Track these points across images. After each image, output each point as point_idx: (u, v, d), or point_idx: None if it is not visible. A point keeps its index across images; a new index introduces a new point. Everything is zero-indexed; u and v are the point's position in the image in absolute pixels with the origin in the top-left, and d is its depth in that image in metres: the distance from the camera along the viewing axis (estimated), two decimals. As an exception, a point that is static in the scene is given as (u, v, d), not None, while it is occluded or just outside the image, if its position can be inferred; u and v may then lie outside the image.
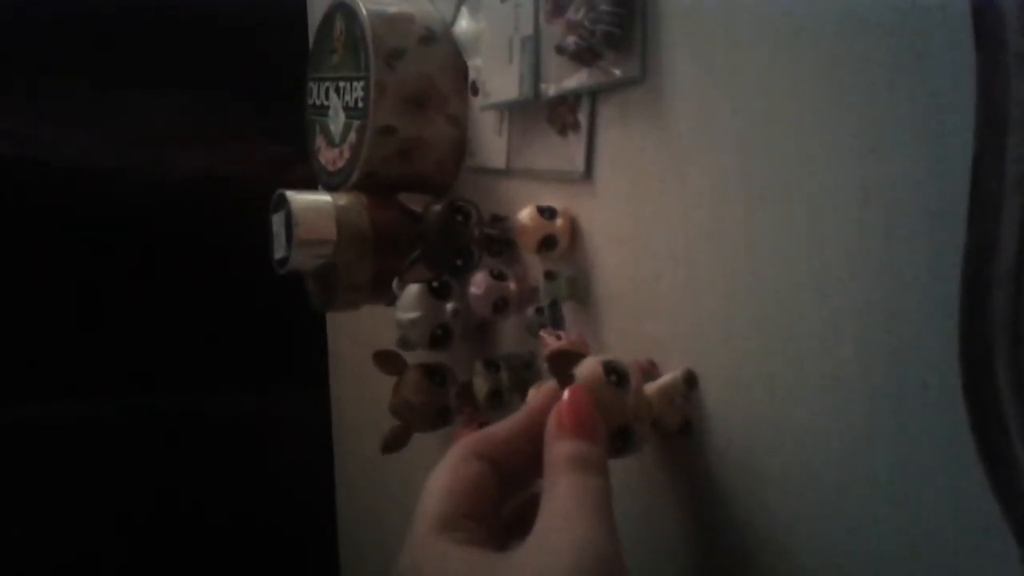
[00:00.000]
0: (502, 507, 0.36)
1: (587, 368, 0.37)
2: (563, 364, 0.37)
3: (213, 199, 0.97)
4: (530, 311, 0.52)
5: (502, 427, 0.37)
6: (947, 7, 0.29)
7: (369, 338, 0.75)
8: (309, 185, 0.66)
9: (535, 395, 0.41)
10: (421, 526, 0.33)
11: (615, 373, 0.37)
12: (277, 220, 0.58)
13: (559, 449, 0.33)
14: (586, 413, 0.35)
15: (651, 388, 0.41)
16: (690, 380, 0.42)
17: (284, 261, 0.57)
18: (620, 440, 0.37)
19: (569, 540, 0.30)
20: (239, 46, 0.98)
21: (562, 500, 0.31)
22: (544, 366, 0.49)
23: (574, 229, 0.50)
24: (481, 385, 0.53)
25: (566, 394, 0.35)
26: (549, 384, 0.38)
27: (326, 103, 0.65)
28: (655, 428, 0.41)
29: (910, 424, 0.32)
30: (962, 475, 0.30)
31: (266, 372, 1.00)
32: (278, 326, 0.95)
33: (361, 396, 0.87)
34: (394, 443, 0.57)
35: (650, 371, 0.44)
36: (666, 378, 0.42)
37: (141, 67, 0.95)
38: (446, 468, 0.35)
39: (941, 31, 0.30)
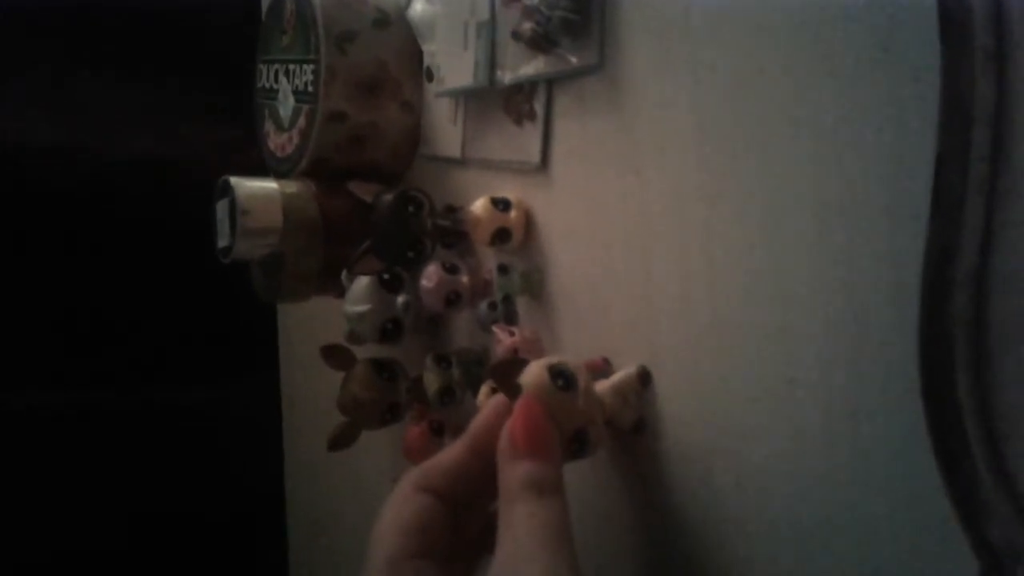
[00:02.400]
0: (460, 534, 0.35)
1: (532, 375, 0.36)
2: (507, 375, 0.36)
3: (161, 183, 0.94)
4: (483, 305, 0.51)
5: (446, 455, 0.36)
6: (913, -2, 0.28)
7: (322, 330, 0.74)
8: (261, 170, 0.64)
9: (485, 395, 0.39)
10: (368, 568, 0.32)
11: (562, 377, 0.36)
12: (221, 207, 0.56)
13: (513, 473, 0.32)
14: (539, 429, 0.33)
15: (604, 386, 0.40)
16: (644, 377, 0.41)
17: (228, 250, 0.55)
18: (576, 444, 0.36)
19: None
20: (190, 26, 0.95)
21: (519, 530, 0.30)
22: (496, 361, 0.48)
23: (529, 222, 0.48)
24: (432, 381, 0.51)
25: (516, 410, 0.34)
26: (495, 399, 0.37)
27: (275, 86, 0.63)
28: (609, 427, 0.40)
29: (869, 429, 0.31)
30: (921, 483, 0.29)
31: (215, 363, 0.98)
32: (228, 316, 0.93)
33: (313, 389, 0.85)
34: (341, 440, 0.55)
35: (603, 368, 0.43)
36: (620, 375, 0.41)
37: (90, 48, 0.92)
38: (390, 508, 0.34)
39: (906, 24, 0.29)
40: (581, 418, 0.36)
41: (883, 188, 0.30)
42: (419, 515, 0.33)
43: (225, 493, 0.99)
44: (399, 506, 0.34)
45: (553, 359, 0.37)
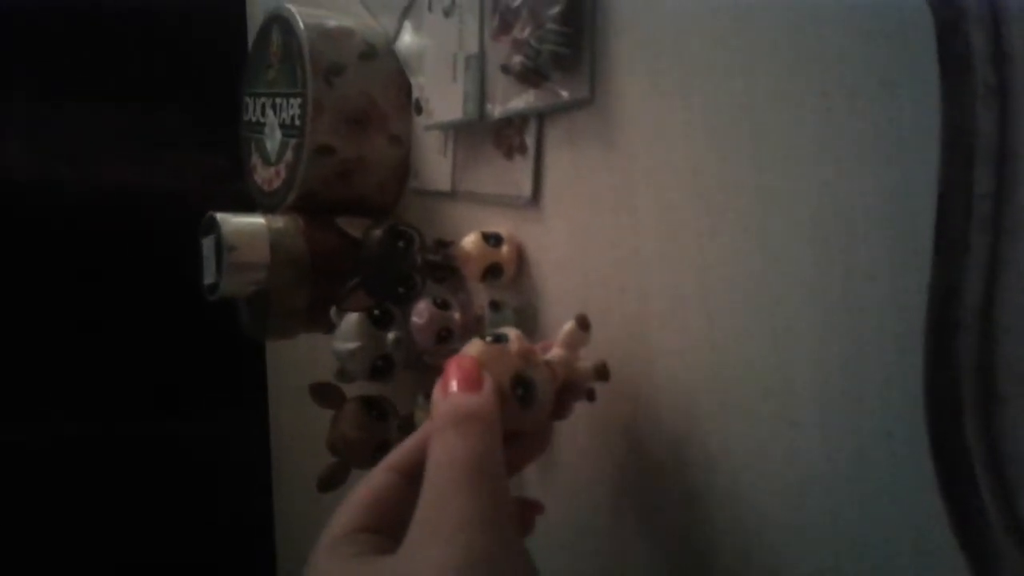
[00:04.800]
0: None
1: (467, 344, 0.36)
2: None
3: (146, 215, 0.93)
4: (475, 342, 0.50)
5: (410, 437, 0.35)
6: (912, 31, 0.28)
7: (311, 367, 0.72)
8: (248, 201, 0.63)
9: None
10: (316, 545, 0.32)
11: (492, 336, 0.36)
12: (207, 244, 0.55)
13: (439, 410, 0.32)
14: (466, 368, 0.33)
15: (555, 349, 0.39)
16: (583, 323, 0.39)
17: (214, 287, 0.54)
18: (521, 387, 0.35)
19: (441, 518, 0.28)
20: (176, 56, 0.95)
21: (439, 469, 0.30)
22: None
23: (520, 257, 0.48)
24: (423, 419, 0.50)
25: (448, 362, 0.34)
26: None
27: (262, 120, 0.62)
28: (572, 383, 0.38)
29: (872, 475, 0.30)
30: (929, 529, 0.28)
31: (202, 400, 0.96)
32: (216, 350, 0.91)
33: (302, 427, 0.83)
34: (331, 481, 0.54)
35: (545, 348, 0.41)
36: (562, 331, 0.39)
37: (74, 77, 0.92)
38: (355, 488, 0.33)
39: (905, 56, 0.28)
40: (517, 364, 0.35)
41: (884, 226, 0.29)
42: (376, 491, 0.33)
43: (214, 533, 0.97)
44: (363, 484, 0.33)
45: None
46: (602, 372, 0.39)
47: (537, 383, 0.36)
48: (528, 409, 0.35)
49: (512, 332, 0.36)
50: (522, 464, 0.38)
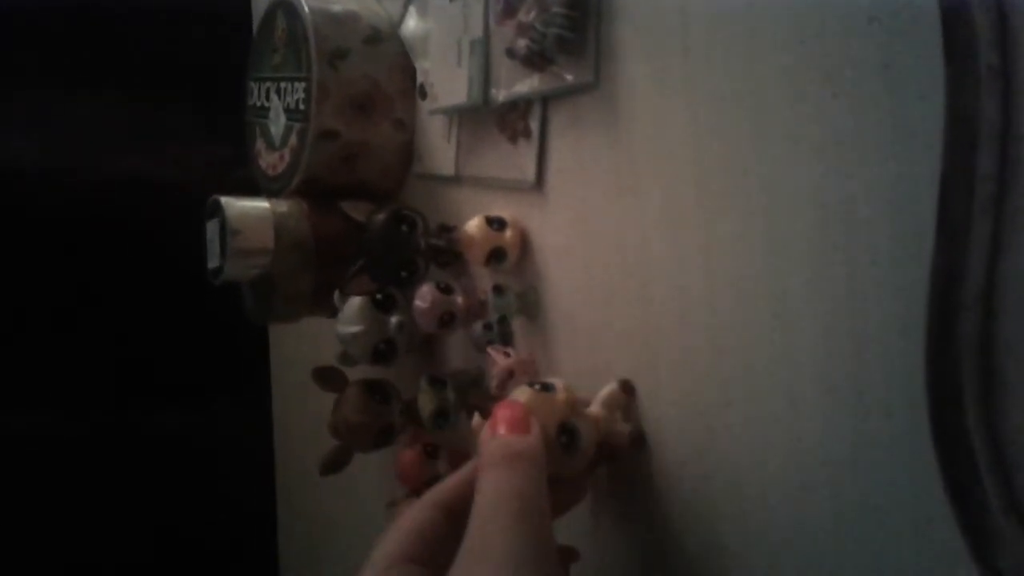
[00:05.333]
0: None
1: (516, 390, 0.37)
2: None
3: (152, 202, 0.93)
4: (478, 326, 0.50)
5: (453, 475, 0.37)
6: (916, 15, 0.28)
7: (314, 350, 0.72)
8: (253, 189, 0.63)
9: (479, 422, 0.39)
10: (362, 571, 0.32)
11: (539, 384, 0.37)
12: (211, 227, 0.55)
13: (487, 448, 0.33)
14: (516, 413, 0.34)
15: (593, 406, 0.40)
16: (627, 387, 0.41)
17: (218, 271, 0.54)
18: (565, 435, 0.36)
19: (487, 547, 0.29)
20: (180, 43, 0.95)
21: (486, 501, 0.30)
22: (491, 383, 0.47)
23: (524, 241, 0.48)
24: (426, 403, 0.50)
25: (497, 405, 0.35)
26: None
27: (267, 104, 0.62)
28: (608, 443, 0.39)
29: (873, 455, 0.30)
30: (928, 512, 0.28)
31: (206, 384, 0.96)
32: (219, 337, 0.92)
33: (305, 410, 0.84)
34: (333, 464, 0.54)
35: (585, 403, 0.42)
36: (603, 391, 0.41)
37: (78, 66, 0.92)
38: (399, 518, 0.35)
39: (909, 41, 0.28)
40: (563, 412, 0.36)
41: (887, 209, 0.29)
42: (421, 525, 0.34)
43: (216, 515, 0.97)
44: (404, 517, 0.34)
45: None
46: (638, 441, 0.41)
47: (581, 432, 0.37)
48: (571, 456, 0.36)
49: (559, 382, 0.38)
50: (559, 512, 0.39)
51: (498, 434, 0.33)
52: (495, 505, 0.30)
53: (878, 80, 0.29)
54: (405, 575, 0.32)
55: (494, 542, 0.29)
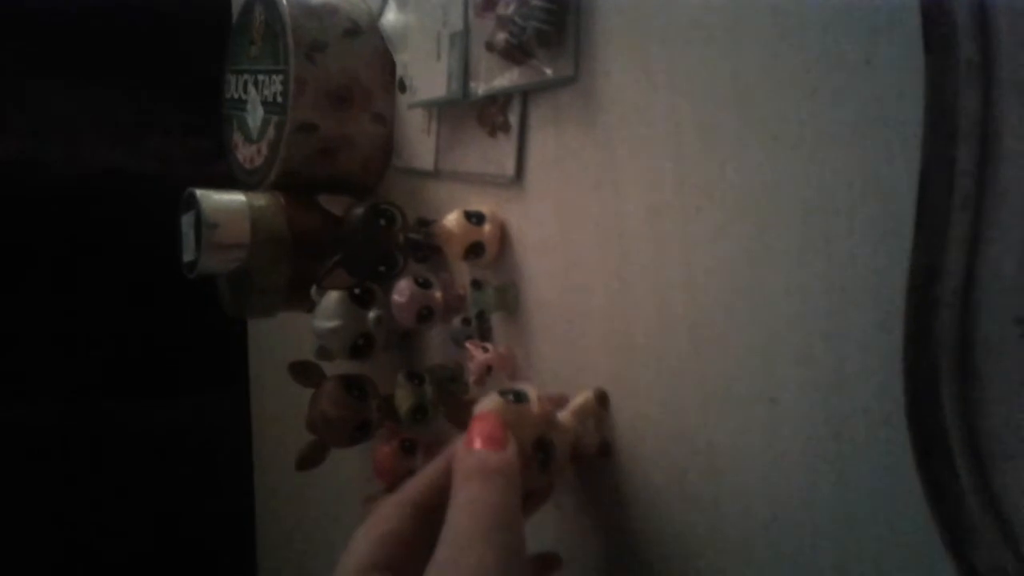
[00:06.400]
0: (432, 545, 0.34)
1: (484, 400, 0.36)
2: (463, 413, 0.38)
3: (128, 195, 0.92)
4: (456, 321, 0.50)
5: (424, 471, 0.36)
6: (896, 8, 0.27)
7: (292, 345, 0.72)
8: (230, 183, 0.63)
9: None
10: None
11: (512, 393, 0.36)
12: (187, 221, 0.54)
13: (462, 463, 0.33)
14: (492, 426, 0.34)
15: (564, 414, 0.40)
16: (602, 399, 0.41)
17: (193, 265, 0.53)
18: (541, 452, 0.36)
19: (460, 561, 0.29)
20: (160, 36, 0.93)
21: (460, 516, 0.31)
22: (469, 378, 0.46)
23: (503, 236, 0.47)
24: (404, 399, 0.50)
25: (472, 418, 0.35)
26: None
27: (244, 97, 0.62)
28: (575, 451, 0.39)
29: (852, 451, 0.30)
30: (906, 508, 0.28)
31: (183, 379, 0.96)
32: (198, 330, 0.91)
33: (283, 405, 0.83)
34: (309, 459, 0.53)
35: (559, 402, 0.42)
36: (577, 400, 0.41)
37: (54, 57, 0.90)
38: (371, 519, 0.34)
39: (889, 33, 0.28)
40: (538, 426, 0.36)
41: (868, 203, 0.29)
42: (391, 526, 0.34)
43: (194, 510, 0.97)
44: (373, 521, 0.34)
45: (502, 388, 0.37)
46: (605, 450, 0.41)
47: (556, 449, 0.37)
48: (545, 472, 0.36)
49: (532, 391, 0.37)
50: (526, 516, 0.39)
51: (474, 448, 0.33)
52: (469, 519, 0.31)
53: (859, 75, 0.29)
54: None
55: (467, 555, 0.29)
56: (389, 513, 0.34)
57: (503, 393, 0.36)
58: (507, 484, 0.32)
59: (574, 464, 0.41)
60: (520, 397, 0.36)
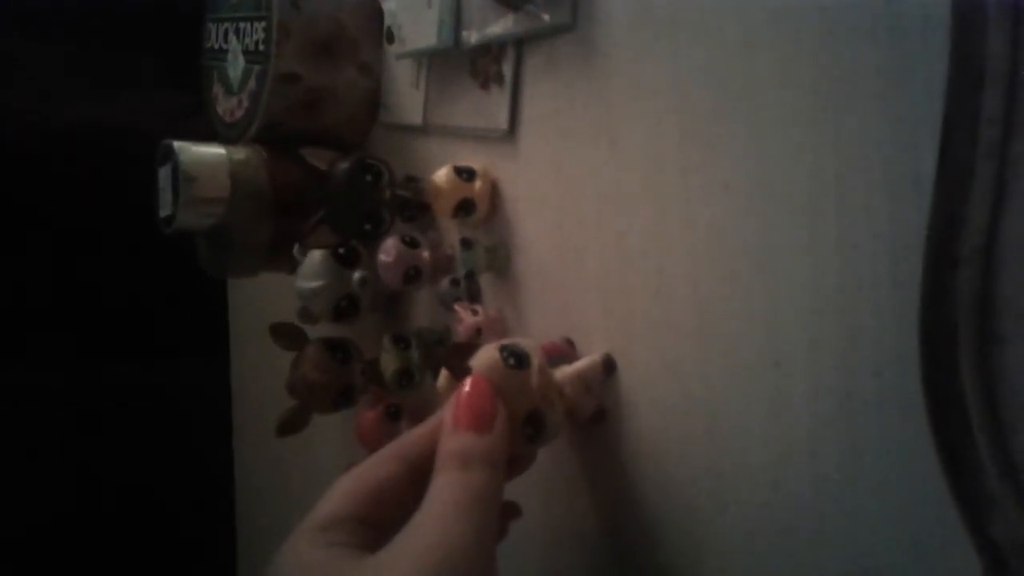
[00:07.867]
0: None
1: (483, 355, 0.34)
2: (458, 359, 0.36)
3: (105, 150, 0.89)
4: (445, 282, 0.48)
5: (419, 428, 0.35)
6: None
7: (274, 307, 0.70)
8: (211, 138, 0.60)
9: (445, 380, 0.37)
10: (299, 525, 0.32)
11: (513, 356, 0.34)
12: (163, 174, 0.52)
13: (446, 444, 0.32)
14: (482, 404, 0.33)
15: (567, 373, 0.38)
16: (609, 365, 0.39)
17: (170, 220, 0.51)
18: (531, 427, 0.34)
19: (430, 542, 0.29)
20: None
21: (435, 499, 0.30)
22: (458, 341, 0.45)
23: (494, 193, 0.46)
24: (389, 363, 0.48)
25: (464, 386, 0.33)
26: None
27: (224, 46, 0.59)
28: (568, 416, 0.37)
29: (860, 417, 0.29)
30: (920, 477, 0.27)
31: (161, 341, 0.94)
32: (176, 291, 0.89)
33: (264, 369, 0.81)
34: (290, 425, 0.52)
35: (565, 352, 0.40)
36: (584, 362, 0.39)
37: (32, 8, 0.87)
38: (352, 470, 0.34)
39: (915, -30, 0.26)
40: (534, 399, 0.34)
41: (884, 154, 0.27)
42: (377, 481, 0.33)
43: (174, 474, 0.95)
44: (366, 468, 0.34)
45: (506, 340, 0.35)
46: (599, 417, 0.39)
47: (549, 423, 0.35)
48: (534, 445, 0.35)
49: (534, 356, 0.35)
50: (508, 479, 0.37)
51: (460, 428, 0.32)
52: (448, 504, 0.30)
53: (877, 17, 0.27)
54: (342, 532, 0.31)
55: (437, 530, 0.29)
56: (380, 466, 0.33)
57: (503, 351, 0.34)
58: (490, 477, 0.31)
59: (567, 430, 0.39)
60: (520, 362, 0.34)
